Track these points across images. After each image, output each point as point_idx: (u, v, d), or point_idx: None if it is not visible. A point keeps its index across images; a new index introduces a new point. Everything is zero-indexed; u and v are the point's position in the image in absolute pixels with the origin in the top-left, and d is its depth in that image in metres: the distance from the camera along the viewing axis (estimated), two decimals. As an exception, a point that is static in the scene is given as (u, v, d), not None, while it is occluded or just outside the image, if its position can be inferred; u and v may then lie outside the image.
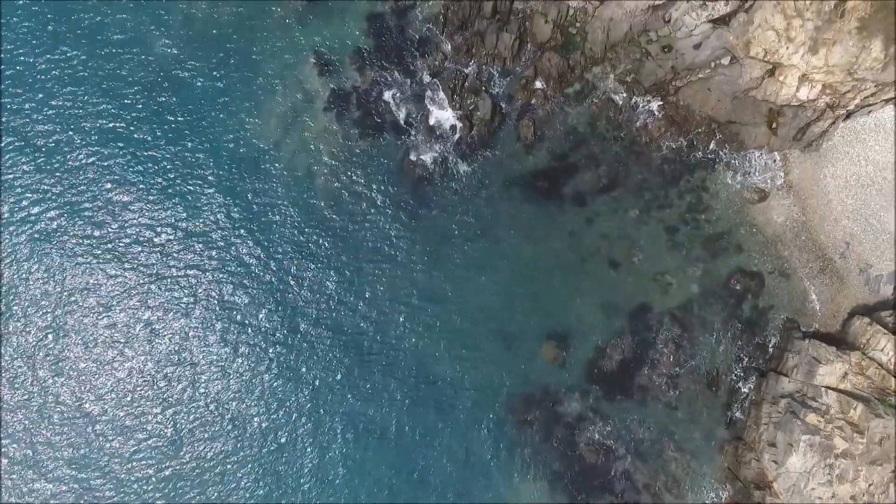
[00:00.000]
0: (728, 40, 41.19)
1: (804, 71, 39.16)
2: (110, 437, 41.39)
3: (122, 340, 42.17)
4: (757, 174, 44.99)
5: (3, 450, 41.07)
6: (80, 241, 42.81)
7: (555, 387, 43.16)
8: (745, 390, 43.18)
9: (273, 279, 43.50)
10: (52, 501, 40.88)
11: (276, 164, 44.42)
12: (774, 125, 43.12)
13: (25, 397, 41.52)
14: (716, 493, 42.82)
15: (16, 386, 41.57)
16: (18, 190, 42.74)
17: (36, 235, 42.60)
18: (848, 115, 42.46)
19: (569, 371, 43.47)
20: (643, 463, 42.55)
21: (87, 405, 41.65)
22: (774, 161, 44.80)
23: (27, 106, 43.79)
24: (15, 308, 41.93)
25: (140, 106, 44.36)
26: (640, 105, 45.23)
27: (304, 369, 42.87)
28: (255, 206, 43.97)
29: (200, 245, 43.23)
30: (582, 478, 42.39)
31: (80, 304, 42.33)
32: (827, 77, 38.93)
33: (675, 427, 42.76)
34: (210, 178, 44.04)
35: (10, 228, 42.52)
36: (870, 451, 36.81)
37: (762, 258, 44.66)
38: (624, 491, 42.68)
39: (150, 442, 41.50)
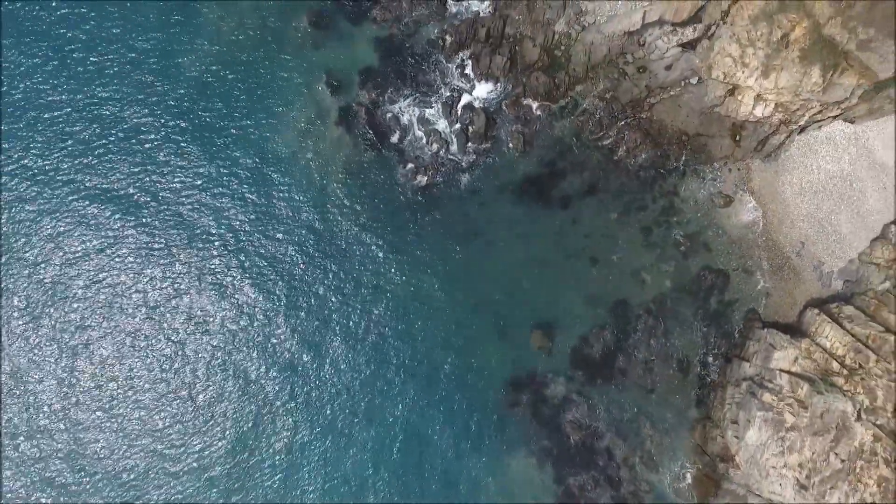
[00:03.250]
0: (694, 63, 47.31)
1: (758, 92, 44.94)
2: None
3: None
4: (723, 181, 49.78)
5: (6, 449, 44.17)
6: (105, 238, 47.06)
7: (542, 371, 47.46)
8: (713, 374, 47.73)
9: (284, 273, 47.76)
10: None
11: (293, 171, 48.89)
12: (738, 138, 48.50)
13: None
14: (686, 466, 46.75)
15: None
16: (39, 190, 47.25)
17: (58, 239, 46.93)
18: (802, 130, 47.98)
19: (555, 357, 47.76)
20: (622, 440, 46.84)
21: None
22: (738, 169, 49.81)
23: (51, 112, 48.22)
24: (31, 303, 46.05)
25: (167, 115, 48.99)
26: (619, 119, 49.92)
27: (310, 356, 46.79)
28: (272, 208, 48.59)
29: (221, 242, 47.79)
30: (567, 454, 46.47)
31: (100, 297, 46.40)
32: (778, 97, 44.68)
33: (651, 408, 47.27)
34: (231, 180, 48.59)
35: (32, 233, 46.86)
36: (813, 423, 42.32)
37: (727, 257, 49.24)
38: (605, 466, 46.47)
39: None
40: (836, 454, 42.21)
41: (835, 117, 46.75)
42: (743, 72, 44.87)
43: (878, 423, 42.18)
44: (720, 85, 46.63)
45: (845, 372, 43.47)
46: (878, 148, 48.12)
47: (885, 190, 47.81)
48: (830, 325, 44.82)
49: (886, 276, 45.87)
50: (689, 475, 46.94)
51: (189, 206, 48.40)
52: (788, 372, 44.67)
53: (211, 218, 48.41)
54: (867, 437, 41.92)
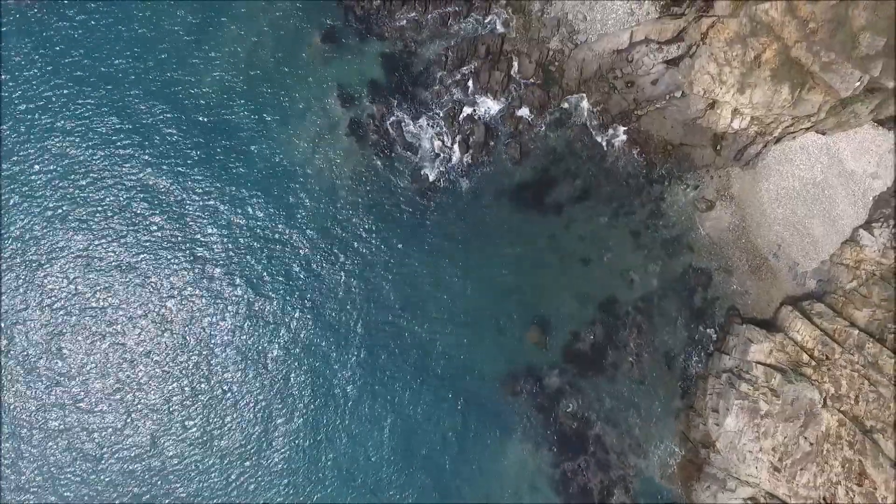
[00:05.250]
0: (678, 79, 51.42)
1: (735, 106, 49.00)
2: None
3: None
4: (705, 187, 53.61)
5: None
6: (122, 241, 49.98)
7: (538, 365, 50.94)
8: (696, 367, 51.74)
9: (296, 273, 50.74)
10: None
11: (306, 179, 51.99)
12: (718, 147, 52.44)
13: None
14: (671, 452, 50.59)
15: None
16: (54, 199, 50.31)
17: (76, 252, 49.49)
18: (777, 140, 51.95)
19: (550, 352, 51.28)
20: (612, 428, 50.44)
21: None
22: (719, 176, 53.81)
23: (68, 131, 51.08)
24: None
25: (183, 124, 51.84)
26: (609, 130, 54.15)
27: (319, 352, 49.83)
28: (284, 213, 51.60)
29: (235, 244, 50.79)
30: (561, 441, 50.05)
31: (103, 306, 49.04)
32: (753, 111, 48.68)
33: (639, 398, 50.80)
34: (248, 187, 51.49)
35: (44, 247, 49.59)
36: (784, 410, 46.70)
37: (709, 257, 53.09)
38: (596, 452, 50.18)
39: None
40: (806, 438, 46.60)
41: (807, 129, 50.94)
42: (721, 88, 49.28)
43: (842, 409, 46.83)
44: (701, 99, 50.79)
45: (813, 363, 47.92)
46: (848, 157, 52.53)
47: (854, 196, 52.41)
48: (802, 320, 49.28)
49: (854, 276, 50.76)
50: (673, 460, 50.74)
51: (200, 211, 51.31)
52: (763, 364, 48.99)
53: (227, 219, 51.41)
54: (833, 423, 46.38)
